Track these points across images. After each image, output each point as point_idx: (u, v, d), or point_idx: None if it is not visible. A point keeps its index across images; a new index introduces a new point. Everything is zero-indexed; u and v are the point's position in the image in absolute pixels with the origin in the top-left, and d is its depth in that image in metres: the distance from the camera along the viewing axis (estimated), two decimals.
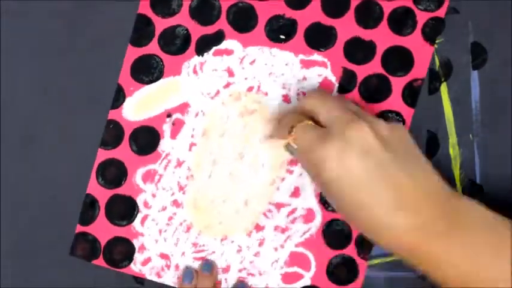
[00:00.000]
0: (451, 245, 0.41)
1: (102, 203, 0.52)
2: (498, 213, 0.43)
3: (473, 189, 0.51)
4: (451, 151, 0.51)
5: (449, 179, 0.51)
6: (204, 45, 0.51)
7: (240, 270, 0.52)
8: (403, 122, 0.51)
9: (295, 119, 0.45)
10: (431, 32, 0.51)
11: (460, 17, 0.51)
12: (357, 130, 0.41)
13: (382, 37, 0.51)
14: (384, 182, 0.41)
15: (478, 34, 0.51)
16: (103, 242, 0.52)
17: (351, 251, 0.51)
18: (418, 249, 0.41)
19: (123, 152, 0.51)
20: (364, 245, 0.51)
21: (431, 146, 0.51)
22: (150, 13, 0.51)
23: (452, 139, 0.51)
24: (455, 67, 0.51)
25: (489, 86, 0.51)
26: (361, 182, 0.41)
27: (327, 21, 0.51)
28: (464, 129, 0.51)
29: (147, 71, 0.51)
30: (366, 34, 0.51)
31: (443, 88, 0.51)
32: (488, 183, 0.52)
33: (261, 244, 0.52)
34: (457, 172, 0.51)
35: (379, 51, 0.51)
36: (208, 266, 0.51)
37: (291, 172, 0.51)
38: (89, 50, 0.50)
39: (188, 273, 0.51)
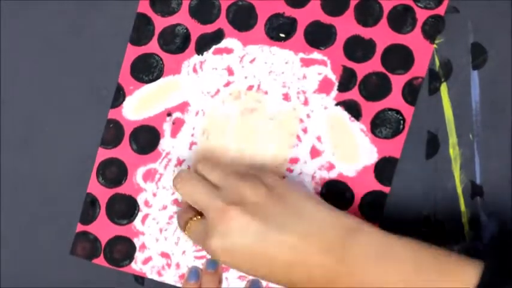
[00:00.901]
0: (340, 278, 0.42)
1: (102, 202, 0.52)
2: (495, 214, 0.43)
3: (473, 189, 0.51)
4: (451, 151, 0.51)
5: (449, 179, 0.51)
6: (204, 44, 0.51)
7: None
8: (404, 120, 0.51)
9: (184, 218, 0.48)
10: (431, 30, 0.51)
11: (460, 17, 0.51)
12: (225, 219, 0.43)
13: (382, 35, 0.51)
14: (270, 248, 0.42)
15: (478, 34, 0.51)
16: (103, 241, 0.52)
17: None
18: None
19: (123, 151, 0.51)
20: None
21: (431, 147, 0.51)
22: (149, 12, 0.51)
23: (452, 139, 0.51)
24: (455, 67, 0.51)
25: (489, 86, 0.51)
26: (253, 258, 0.43)
27: (327, 19, 0.51)
28: (464, 129, 0.51)
29: (147, 70, 0.51)
30: (365, 32, 0.51)
31: (443, 88, 0.51)
32: (488, 183, 0.51)
33: None
34: (457, 172, 0.51)
35: (379, 49, 0.51)
36: (213, 263, 0.51)
37: (291, 171, 0.51)
38: (89, 49, 0.50)
39: (194, 272, 0.51)
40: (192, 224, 0.47)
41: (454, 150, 0.51)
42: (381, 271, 0.41)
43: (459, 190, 0.52)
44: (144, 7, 0.51)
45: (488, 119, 0.51)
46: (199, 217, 0.47)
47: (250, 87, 0.51)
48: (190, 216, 0.47)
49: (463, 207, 0.52)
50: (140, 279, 0.52)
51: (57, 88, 0.51)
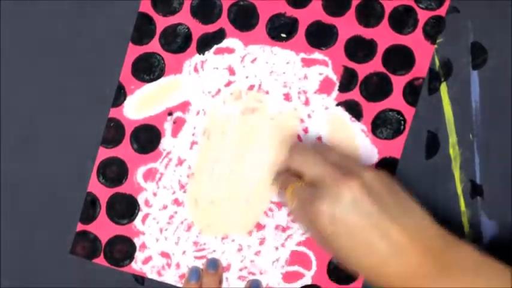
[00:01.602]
0: None
1: (103, 202, 0.51)
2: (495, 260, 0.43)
3: (473, 189, 0.52)
4: (451, 151, 0.51)
5: (449, 179, 0.51)
6: (205, 43, 0.51)
7: (240, 269, 0.52)
8: (404, 120, 0.51)
9: (286, 182, 0.47)
10: (432, 31, 0.51)
11: (460, 17, 0.51)
12: (344, 189, 0.42)
13: (383, 36, 0.51)
14: (374, 232, 0.42)
15: (478, 34, 0.51)
16: (104, 240, 0.51)
17: None
18: None
19: (124, 150, 0.51)
20: None
21: (431, 146, 0.51)
22: (151, 11, 0.51)
23: (452, 139, 0.51)
24: (455, 67, 0.51)
25: (489, 86, 0.51)
26: (354, 235, 0.42)
27: (328, 19, 0.51)
28: (464, 129, 0.51)
29: (148, 70, 0.51)
30: (367, 33, 0.51)
31: (443, 88, 0.51)
32: (488, 183, 0.52)
33: (261, 243, 0.52)
34: (457, 172, 0.52)
35: (380, 49, 0.51)
36: (214, 264, 0.51)
37: None
38: (89, 49, 0.50)
39: (194, 272, 0.51)
40: (297, 188, 0.45)
41: (454, 150, 0.51)
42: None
43: (459, 190, 0.52)
44: (146, 7, 0.51)
45: (488, 119, 0.51)
46: (300, 183, 0.46)
47: (251, 87, 0.51)
48: (290, 182, 0.46)
49: (463, 207, 0.52)
50: (140, 279, 0.52)
51: (58, 88, 0.51)
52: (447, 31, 0.51)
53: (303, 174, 0.46)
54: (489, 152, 0.51)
